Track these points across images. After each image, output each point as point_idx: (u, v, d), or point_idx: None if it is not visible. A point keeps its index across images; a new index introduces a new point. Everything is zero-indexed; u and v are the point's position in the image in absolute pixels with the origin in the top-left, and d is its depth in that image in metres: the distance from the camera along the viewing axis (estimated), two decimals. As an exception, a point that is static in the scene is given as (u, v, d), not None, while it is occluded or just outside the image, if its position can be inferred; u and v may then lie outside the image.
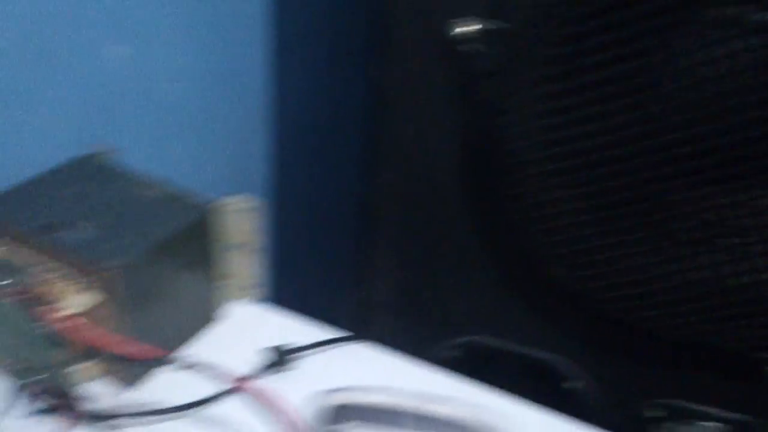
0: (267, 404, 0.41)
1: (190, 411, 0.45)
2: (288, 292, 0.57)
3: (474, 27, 0.65)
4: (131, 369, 0.46)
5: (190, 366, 0.42)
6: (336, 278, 1.21)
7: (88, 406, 0.43)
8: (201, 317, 0.52)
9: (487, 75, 0.67)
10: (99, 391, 0.46)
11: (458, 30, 0.65)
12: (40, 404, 0.44)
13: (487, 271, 0.75)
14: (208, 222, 0.49)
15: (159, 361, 0.44)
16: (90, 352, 0.45)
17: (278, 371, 0.48)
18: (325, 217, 1.12)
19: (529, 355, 0.79)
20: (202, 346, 0.51)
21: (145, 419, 0.44)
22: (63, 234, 0.45)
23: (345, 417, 0.29)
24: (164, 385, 0.47)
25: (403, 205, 0.80)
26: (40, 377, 0.44)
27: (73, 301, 0.42)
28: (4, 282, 0.41)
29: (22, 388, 0.45)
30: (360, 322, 0.55)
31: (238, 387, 0.42)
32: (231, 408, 0.45)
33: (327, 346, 0.51)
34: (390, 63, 0.72)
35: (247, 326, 0.53)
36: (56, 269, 0.43)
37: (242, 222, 0.51)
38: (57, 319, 0.40)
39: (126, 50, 0.67)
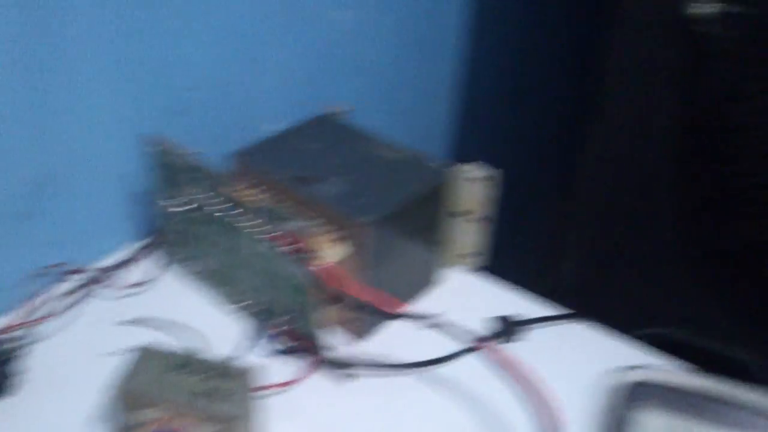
0: (510, 369, 0.42)
1: (427, 368, 0.46)
2: (497, 263, 0.57)
3: (713, 8, 0.62)
4: (370, 319, 0.48)
5: (431, 323, 0.43)
6: (534, 255, 1.21)
7: (328, 353, 0.45)
8: (425, 279, 0.54)
9: (723, 58, 0.64)
10: (337, 339, 0.48)
11: (695, 11, 0.62)
12: (281, 346, 0.47)
13: (693, 264, 0.72)
14: (446, 186, 0.51)
15: (398, 314, 0.45)
16: (334, 300, 0.48)
17: (506, 341, 0.48)
18: (522, 193, 1.12)
19: (723, 354, 0.76)
20: (425, 307, 0.52)
21: (383, 371, 0.46)
22: (316, 187, 0.47)
23: (642, 396, 0.29)
24: (397, 340, 0.49)
25: (609, 187, 0.78)
26: (285, 319, 0.47)
27: (327, 251, 0.44)
28: (267, 227, 0.44)
29: (266, 328, 0.48)
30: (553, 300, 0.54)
31: (478, 348, 0.43)
32: (465, 368, 0.46)
33: (551, 322, 0.51)
34: (615, 40, 0.70)
35: (465, 293, 0.54)
36: (312, 220, 0.45)
37: (476, 190, 0.51)
38: (312, 266, 0.42)
39: (347, 15, 0.69)
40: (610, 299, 0.78)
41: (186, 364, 0.38)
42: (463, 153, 0.98)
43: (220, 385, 0.37)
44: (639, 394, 0.29)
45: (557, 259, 0.87)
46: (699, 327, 0.76)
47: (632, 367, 0.30)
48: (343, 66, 0.71)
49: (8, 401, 0.41)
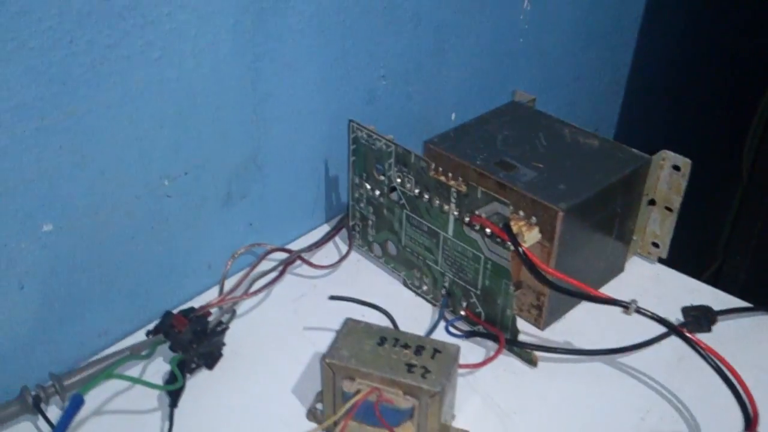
0: (712, 361, 0.40)
1: (614, 354, 0.45)
2: (678, 254, 0.55)
3: None
4: (558, 302, 0.48)
5: (622, 309, 0.42)
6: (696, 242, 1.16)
7: (516, 336, 0.46)
8: (613, 267, 0.52)
9: None
10: (524, 324, 0.48)
11: None
12: (468, 328, 0.48)
13: None
14: (643, 175, 0.49)
15: (588, 298, 0.45)
16: (521, 284, 0.48)
17: (698, 331, 0.46)
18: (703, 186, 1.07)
19: None
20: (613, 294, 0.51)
21: (570, 356, 0.46)
22: (512, 173, 0.47)
23: None
24: (583, 326, 0.48)
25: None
26: (473, 302, 0.47)
27: (523, 235, 0.44)
28: (465, 210, 0.45)
29: (454, 311, 0.49)
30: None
31: (679, 336, 0.41)
32: (656, 356, 0.45)
33: (742, 313, 0.48)
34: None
35: (652, 282, 0.52)
36: (509, 205, 0.45)
37: (672, 180, 0.50)
38: (511, 250, 0.42)
39: (531, 5, 0.69)
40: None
41: (387, 339, 0.39)
42: (642, 142, 0.95)
43: (423, 361, 0.38)
44: None
45: (733, 252, 0.83)
46: None
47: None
48: (524, 56, 0.71)
49: (214, 373, 0.44)
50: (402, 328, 0.46)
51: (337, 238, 0.56)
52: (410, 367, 0.37)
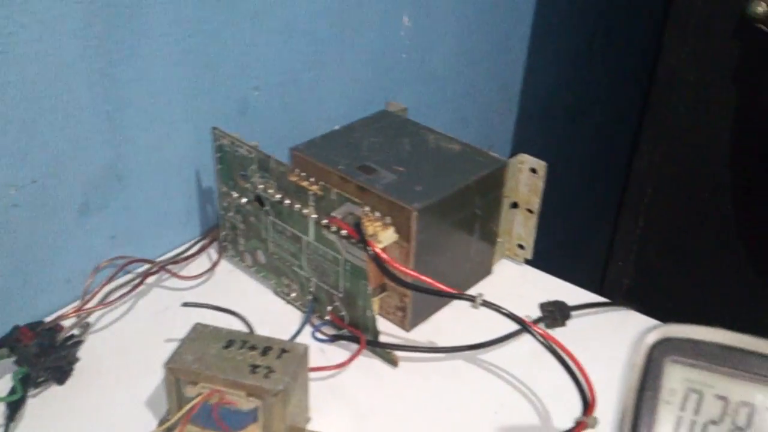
0: (557, 352, 0.41)
1: (472, 351, 0.45)
2: (542, 254, 0.56)
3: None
4: (421, 302, 0.47)
5: (478, 305, 0.42)
6: (588, 248, 1.18)
7: (376, 337, 0.45)
8: (479, 269, 0.53)
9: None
10: (385, 325, 0.48)
11: (758, 9, 0.59)
12: (331, 331, 0.47)
13: (746, 263, 0.69)
14: (501, 178, 0.50)
15: (447, 295, 0.44)
16: (385, 286, 0.47)
17: (554, 326, 0.47)
18: (575, 191, 1.10)
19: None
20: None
21: (429, 355, 0.45)
22: (372, 176, 0.47)
23: (663, 352, 0.27)
24: (445, 326, 0.48)
25: (662, 184, 0.75)
26: (336, 305, 0.46)
27: (381, 236, 0.44)
28: (324, 214, 0.44)
29: (317, 315, 0.48)
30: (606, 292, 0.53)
31: (528, 330, 0.42)
32: (512, 352, 0.45)
33: (595, 309, 0.49)
34: (674, 35, 0.68)
35: (514, 282, 0.53)
36: (366, 206, 0.45)
37: (531, 182, 0.50)
38: (367, 250, 0.42)
39: (412, 23, 0.69)
40: (658, 297, 0.75)
41: (236, 342, 0.38)
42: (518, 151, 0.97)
43: (268, 362, 0.36)
44: (660, 350, 0.28)
45: (607, 256, 0.85)
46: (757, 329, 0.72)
47: (657, 325, 0.28)
48: (407, 69, 0.71)
49: (66, 388, 0.42)
50: (266, 333, 0.44)
51: (210, 249, 0.54)
52: (254, 368, 0.36)
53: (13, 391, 0.39)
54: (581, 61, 1.04)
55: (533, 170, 0.50)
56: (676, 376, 0.28)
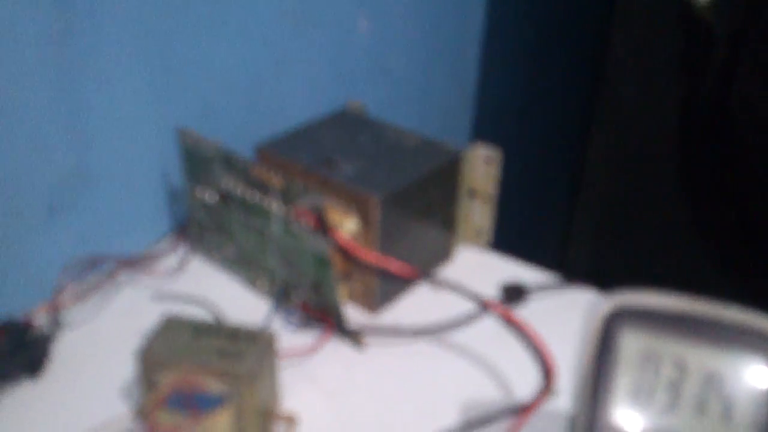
0: (517, 329, 0.41)
1: (437, 333, 0.46)
2: (504, 240, 0.56)
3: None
4: (385, 288, 0.48)
5: (443, 285, 0.42)
6: (544, 232, 1.19)
7: (344, 322, 0.45)
8: (440, 255, 0.53)
9: (721, 42, 0.62)
10: (352, 311, 0.48)
11: (701, 0, 0.60)
12: (300, 318, 0.47)
13: (696, 243, 0.70)
14: (457, 167, 0.50)
15: (411, 279, 0.45)
16: (350, 272, 0.47)
17: (514, 307, 0.47)
18: (533, 176, 1.11)
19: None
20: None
21: (396, 338, 0.46)
22: (334, 169, 0.47)
23: (619, 320, 0.27)
24: (410, 310, 0.49)
25: (613, 169, 0.77)
26: (303, 293, 0.46)
27: (344, 226, 0.44)
28: (289, 206, 0.44)
29: (286, 303, 0.48)
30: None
31: (488, 310, 0.42)
32: (476, 332, 0.46)
33: (554, 290, 0.50)
34: (620, 26, 0.69)
35: (475, 267, 0.53)
36: (329, 197, 0.45)
37: (486, 170, 0.51)
38: (330, 239, 0.42)
39: (369, 24, 0.70)
40: (617, 277, 0.76)
41: (205, 331, 0.38)
42: (477, 139, 0.99)
43: (236, 347, 0.36)
44: (616, 318, 0.28)
45: (565, 240, 0.86)
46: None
47: (610, 295, 0.28)
48: (367, 69, 0.72)
49: (37, 383, 0.42)
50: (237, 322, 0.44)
51: (179, 246, 0.54)
52: (223, 353, 0.36)
53: (-15, 388, 0.38)
54: (532, 56, 1.05)
55: (488, 159, 0.51)
56: (632, 344, 0.28)
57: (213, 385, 0.35)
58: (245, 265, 0.50)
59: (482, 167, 0.51)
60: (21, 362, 0.40)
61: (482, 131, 0.98)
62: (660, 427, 0.27)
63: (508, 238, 0.58)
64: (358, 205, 0.45)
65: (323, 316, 0.46)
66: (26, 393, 0.41)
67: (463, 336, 0.46)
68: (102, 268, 0.49)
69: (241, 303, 0.49)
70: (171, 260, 0.53)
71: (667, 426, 0.27)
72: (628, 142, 0.72)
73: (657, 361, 0.28)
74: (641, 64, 0.68)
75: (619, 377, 0.28)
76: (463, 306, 0.45)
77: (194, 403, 0.35)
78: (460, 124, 0.95)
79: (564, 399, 0.39)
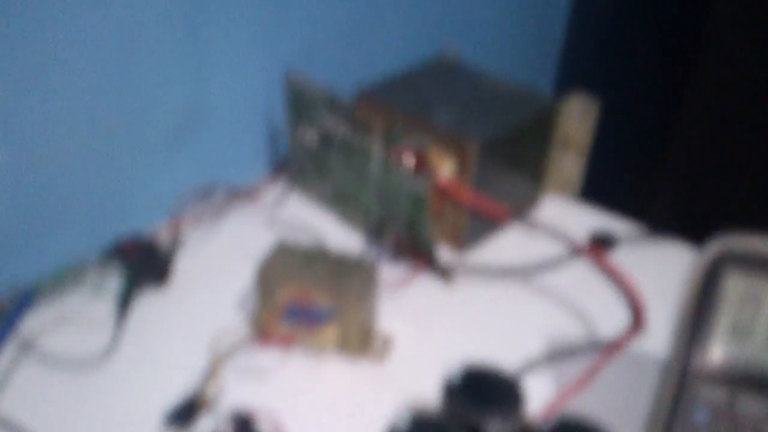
0: (607, 273, 0.42)
1: (527, 274, 0.47)
2: (596, 191, 0.56)
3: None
4: (476, 228, 0.50)
5: (537, 227, 0.44)
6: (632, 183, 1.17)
7: (437, 259, 0.47)
8: (527, 202, 0.54)
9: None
10: (442, 250, 0.50)
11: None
12: (395, 254, 0.50)
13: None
14: (554, 117, 0.51)
15: (500, 224, 0.46)
16: (441, 214, 0.49)
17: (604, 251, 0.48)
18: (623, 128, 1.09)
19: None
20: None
21: (484, 278, 0.48)
22: (432, 114, 0.49)
23: (723, 263, 0.28)
24: (498, 251, 0.50)
25: (709, 123, 0.75)
26: (399, 230, 0.49)
27: (441, 168, 0.46)
28: (388, 147, 0.46)
29: (381, 239, 0.50)
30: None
31: (579, 254, 0.43)
32: (564, 276, 0.47)
33: (643, 240, 0.50)
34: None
35: (564, 217, 0.54)
36: (431, 142, 0.47)
37: (582, 121, 0.51)
38: (428, 180, 0.44)
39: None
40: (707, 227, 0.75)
41: (315, 255, 0.41)
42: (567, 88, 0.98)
43: (344, 271, 0.39)
44: (721, 261, 0.29)
45: (653, 193, 0.85)
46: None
47: (716, 238, 0.29)
48: (458, 11, 0.72)
49: (163, 292, 0.46)
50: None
51: (280, 183, 0.57)
52: (333, 274, 0.39)
53: (123, 292, 0.42)
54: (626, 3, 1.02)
55: (585, 109, 0.51)
56: (735, 285, 0.29)
57: (324, 302, 0.39)
58: (341, 202, 0.53)
59: (578, 118, 0.52)
60: (150, 273, 0.45)
61: (571, 80, 0.96)
62: (756, 362, 0.29)
63: (595, 189, 0.58)
64: (456, 149, 0.47)
65: (414, 253, 0.48)
66: (154, 299, 0.45)
67: (551, 278, 0.47)
68: (215, 196, 0.53)
69: (335, 237, 0.52)
70: (271, 195, 0.56)
71: (763, 361, 0.28)
72: (726, 95, 0.70)
73: (758, 302, 0.29)
74: (745, 16, 0.66)
75: (720, 316, 0.29)
76: (549, 250, 0.46)
77: (307, 316, 0.39)
78: (549, 72, 0.95)
79: (651, 342, 0.40)
